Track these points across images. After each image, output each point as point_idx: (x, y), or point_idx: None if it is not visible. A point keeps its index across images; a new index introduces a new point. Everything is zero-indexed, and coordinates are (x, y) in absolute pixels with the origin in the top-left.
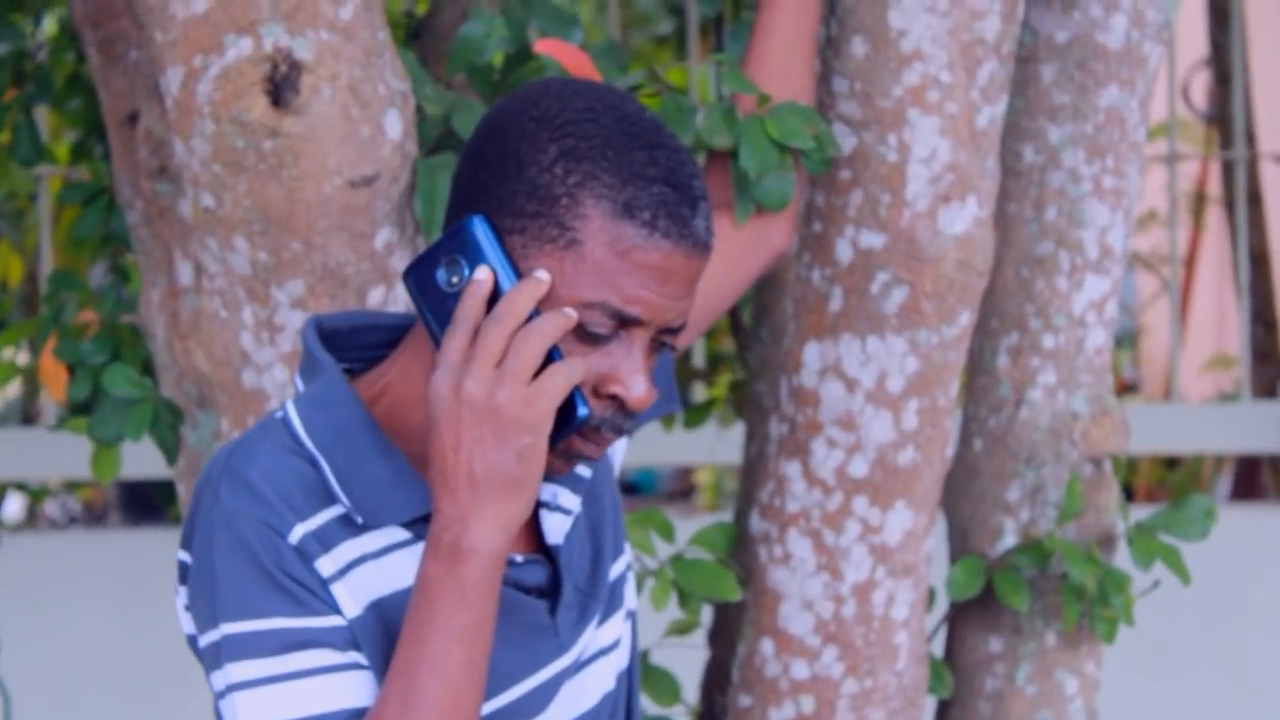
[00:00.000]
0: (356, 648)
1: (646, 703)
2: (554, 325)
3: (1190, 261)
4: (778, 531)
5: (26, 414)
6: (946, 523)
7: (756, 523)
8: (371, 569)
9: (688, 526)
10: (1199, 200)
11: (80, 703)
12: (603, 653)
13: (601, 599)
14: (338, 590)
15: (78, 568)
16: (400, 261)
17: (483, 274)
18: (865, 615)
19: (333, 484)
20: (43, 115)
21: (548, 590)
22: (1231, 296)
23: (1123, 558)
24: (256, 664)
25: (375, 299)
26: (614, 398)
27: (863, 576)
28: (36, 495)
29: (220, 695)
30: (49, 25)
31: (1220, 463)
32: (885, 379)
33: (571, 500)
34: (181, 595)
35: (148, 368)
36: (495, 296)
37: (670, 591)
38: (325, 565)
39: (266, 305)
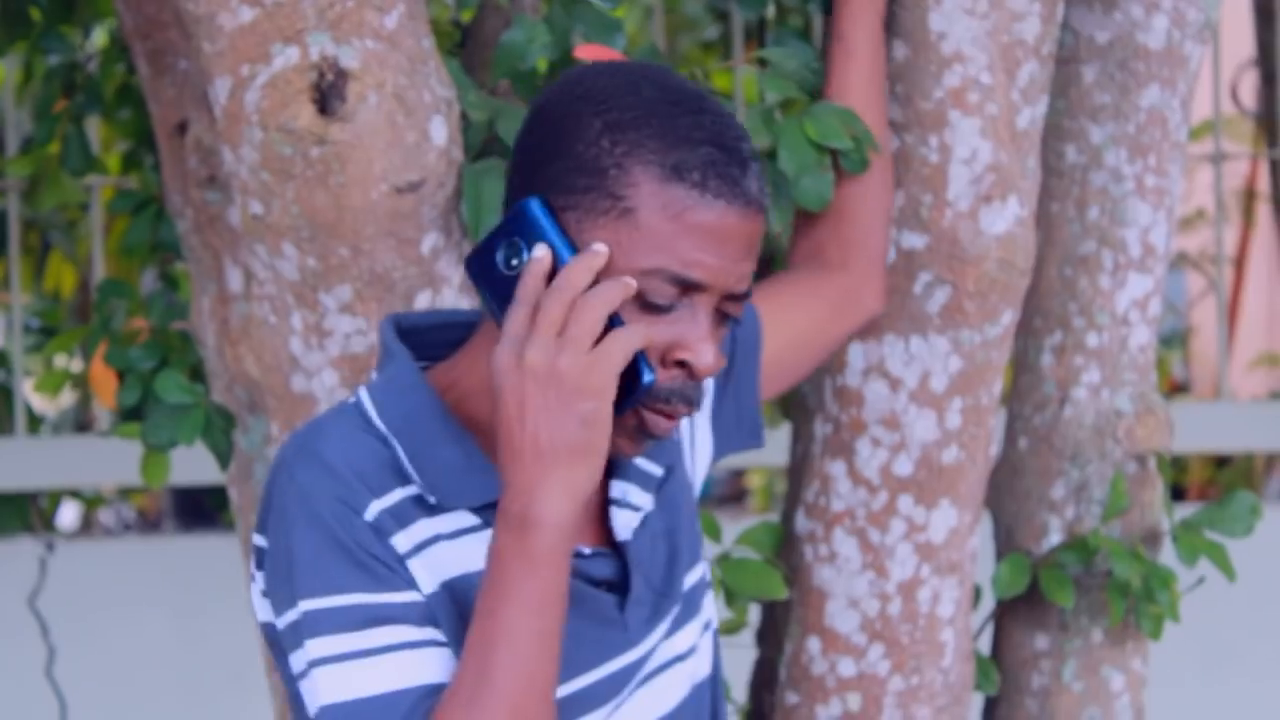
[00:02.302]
0: (434, 624)
1: None
2: (613, 292)
3: (1240, 260)
4: (823, 530)
5: (81, 421)
6: (992, 521)
7: (802, 522)
8: (445, 549)
9: (736, 528)
10: (1248, 198)
11: (134, 708)
12: (678, 659)
13: (676, 601)
14: (413, 566)
15: (132, 574)
16: (447, 266)
17: (540, 252)
18: (911, 613)
19: (406, 464)
20: (95, 127)
21: (616, 585)
22: None
23: (1169, 555)
24: (336, 639)
25: (422, 303)
26: (682, 366)
27: (908, 574)
28: (91, 503)
29: (299, 675)
30: (99, 37)
31: (1271, 461)
32: (928, 378)
33: (641, 498)
34: (258, 581)
35: (195, 373)
36: (554, 274)
37: (718, 591)
38: (401, 542)
39: (315, 311)
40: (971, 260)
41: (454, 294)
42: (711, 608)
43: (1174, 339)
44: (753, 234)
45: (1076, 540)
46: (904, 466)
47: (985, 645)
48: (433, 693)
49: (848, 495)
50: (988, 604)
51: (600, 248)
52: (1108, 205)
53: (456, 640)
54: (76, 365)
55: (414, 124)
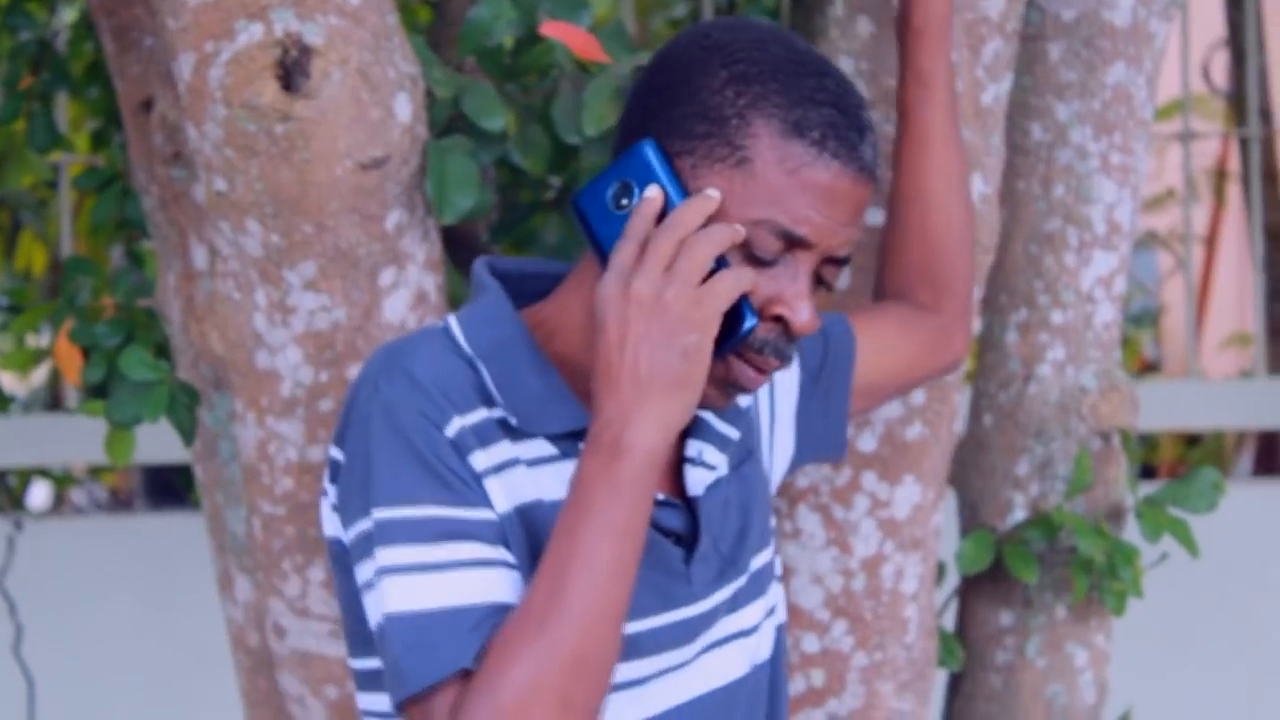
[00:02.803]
0: (505, 545)
1: None
2: (723, 234)
3: (1211, 239)
4: (787, 506)
5: (52, 400)
6: (957, 497)
7: None
8: (523, 474)
9: None
10: (1220, 178)
11: (102, 686)
12: (742, 634)
13: (741, 573)
14: (490, 485)
15: (100, 553)
16: (411, 243)
17: (653, 191)
18: (874, 589)
19: (491, 387)
20: (65, 104)
21: (684, 539)
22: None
23: (1133, 532)
24: (408, 550)
25: (386, 280)
26: (778, 320)
27: (871, 551)
28: (62, 481)
29: (365, 586)
30: (70, 14)
31: (1242, 439)
32: None
33: (716, 458)
34: (329, 495)
35: (162, 350)
36: (664, 217)
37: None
38: (480, 459)
39: (279, 287)
40: None
41: (418, 270)
42: (779, 598)
43: (1145, 318)
44: (861, 200)
45: (1041, 517)
46: (868, 443)
47: (950, 621)
48: (498, 611)
49: (811, 471)
50: (952, 580)
51: (714, 192)
52: (1073, 183)
53: (526, 566)
54: (47, 343)
55: (378, 100)
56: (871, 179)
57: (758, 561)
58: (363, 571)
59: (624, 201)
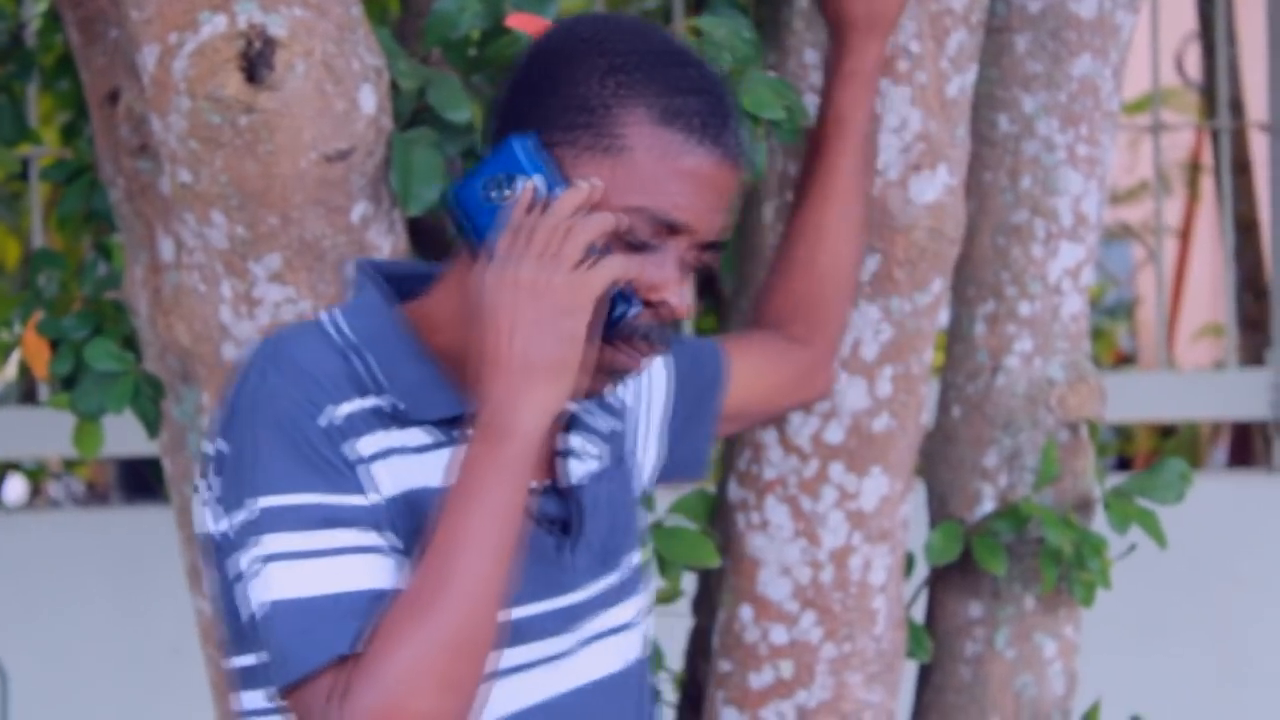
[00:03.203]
0: (386, 531)
1: None
2: (601, 221)
3: (1185, 232)
4: (755, 498)
5: (25, 393)
6: (925, 489)
7: (735, 490)
8: (404, 461)
9: (671, 496)
10: (1193, 170)
11: (77, 679)
12: (616, 631)
13: (615, 569)
14: (372, 471)
15: (74, 546)
16: (377, 235)
17: (530, 184)
18: (843, 580)
19: (369, 375)
20: (36, 97)
21: (561, 529)
22: None
23: (1101, 523)
24: (292, 537)
25: (352, 272)
26: (653, 306)
27: (840, 542)
28: (35, 475)
29: (245, 575)
30: (39, 5)
31: (1217, 431)
32: (859, 346)
33: (593, 449)
34: (202, 489)
35: (129, 343)
36: (543, 208)
37: (650, 560)
38: (363, 446)
39: (244, 279)
40: (901, 229)
41: None
42: (650, 597)
43: (1119, 310)
44: (731, 186)
45: (1009, 508)
46: (835, 434)
47: (919, 613)
48: (380, 597)
49: (779, 463)
50: (921, 572)
51: (594, 181)
52: (1040, 174)
53: (406, 551)
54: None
55: (343, 92)
56: (738, 166)
57: (631, 560)
58: (243, 560)
59: (504, 193)
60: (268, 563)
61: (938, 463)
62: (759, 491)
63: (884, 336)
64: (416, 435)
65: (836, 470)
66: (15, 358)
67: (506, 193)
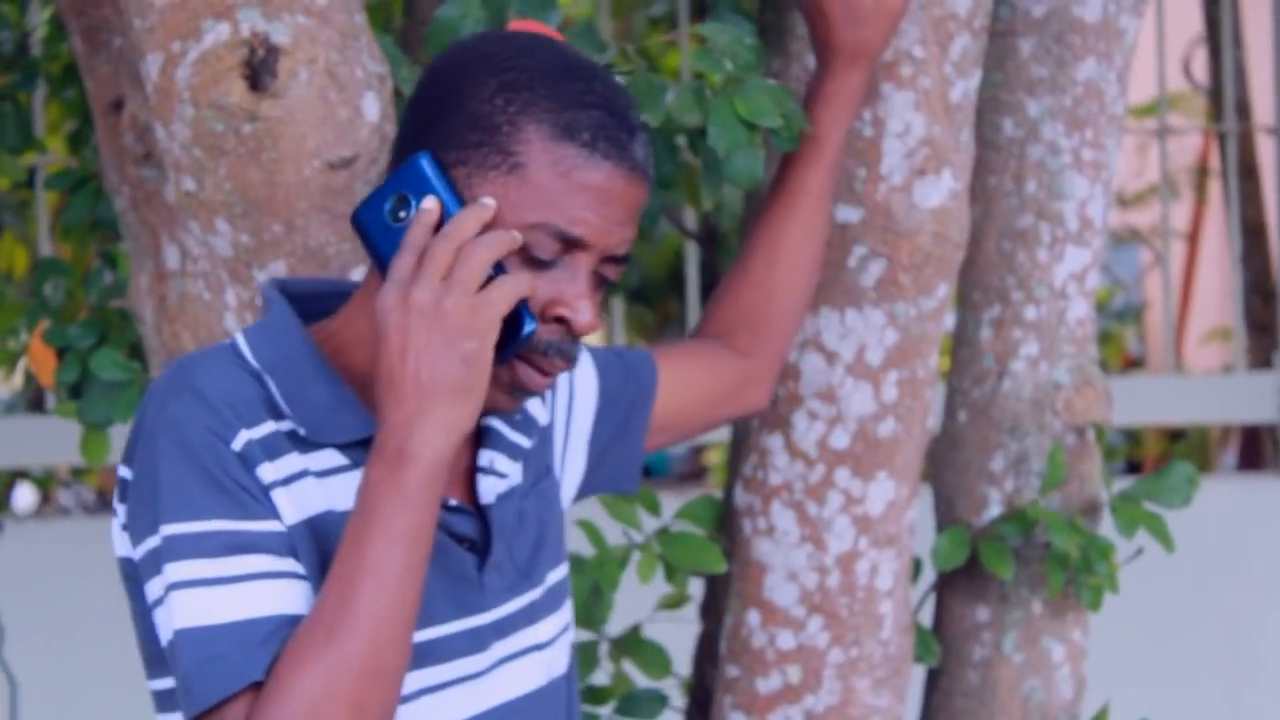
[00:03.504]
0: (295, 556)
1: (637, 675)
2: (499, 241)
3: (1194, 235)
4: (761, 504)
5: (34, 402)
6: (932, 494)
7: (741, 496)
8: (313, 485)
9: (678, 503)
10: (1201, 174)
11: (86, 686)
12: (538, 647)
13: (536, 585)
14: (279, 497)
15: (82, 553)
16: None
17: (430, 203)
18: (849, 585)
19: (279, 399)
20: (43, 105)
21: (477, 546)
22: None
23: (1108, 527)
24: (196, 564)
25: (358, 279)
26: (560, 322)
27: (846, 547)
28: (43, 483)
29: (156, 603)
30: (44, 14)
31: (1226, 434)
32: (864, 351)
33: (509, 466)
34: (119, 514)
35: (135, 351)
36: (441, 228)
37: (656, 565)
38: (268, 472)
39: (249, 287)
40: (905, 234)
41: None
42: (571, 612)
43: (1128, 314)
44: (636, 198)
45: (1015, 512)
46: (841, 439)
47: (926, 617)
48: (289, 623)
49: (785, 469)
50: (928, 576)
51: (489, 200)
52: (1045, 179)
53: (316, 576)
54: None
55: (346, 100)
56: (644, 177)
57: (553, 576)
58: (153, 589)
59: (401, 214)
60: (171, 591)
61: (944, 467)
62: (765, 497)
63: (889, 341)
64: (328, 457)
65: (842, 475)
66: (22, 366)
67: (403, 213)
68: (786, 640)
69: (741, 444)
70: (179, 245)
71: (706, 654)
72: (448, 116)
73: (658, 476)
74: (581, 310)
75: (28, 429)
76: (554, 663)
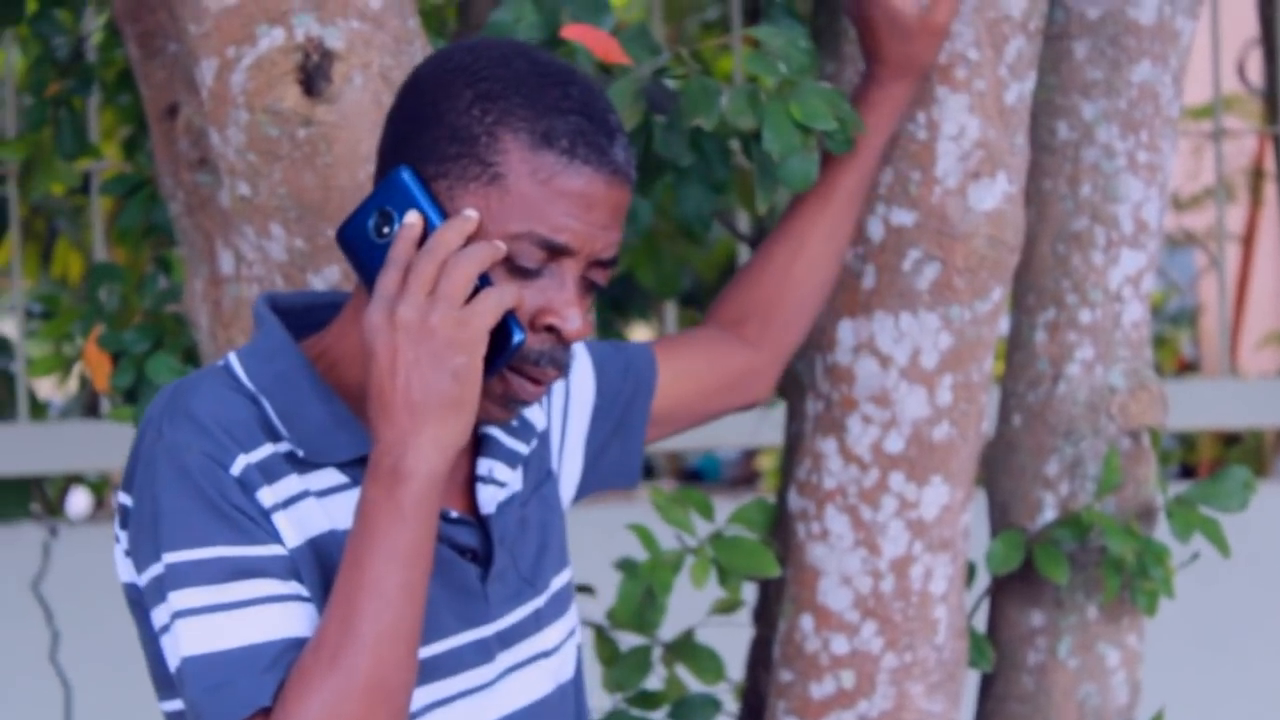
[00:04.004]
0: (298, 578)
1: (690, 680)
2: (483, 253)
3: (1249, 238)
4: (815, 508)
5: (88, 406)
6: (986, 498)
7: (795, 500)
8: (313, 505)
9: (731, 507)
10: (1256, 177)
11: (139, 691)
12: (544, 655)
13: (540, 592)
14: (279, 520)
15: None
16: None
17: (412, 218)
18: (903, 590)
19: (275, 421)
20: (96, 111)
21: (479, 557)
22: None
23: (1164, 531)
24: (200, 591)
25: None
26: (550, 330)
27: (900, 551)
28: (98, 488)
29: (162, 630)
30: (99, 20)
31: None
32: (919, 355)
33: (507, 474)
34: (121, 540)
35: (190, 356)
36: (425, 240)
37: (709, 570)
38: (267, 496)
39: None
40: (960, 237)
41: None
42: (576, 616)
43: (1182, 317)
44: (619, 202)
45: (1071, 516)
46: (895, 443)
47: (981, 622)
48: (295, 646)
49: (839, 473)
50: (982, 581)
51: (471, 213)
52: (1100, 181)
53: (320, 597)
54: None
55: None
56: (627, 180)
57: (558, 582)
58: (159, 616)
59: (385, 230)
60: (177, 619)
61: (999, 471)
62: (819, 501)
63: (944, 345)
64: (328, 476)
65: (897, 479)
66: (77, 371)
67: (386, 229)
68: (840, 645)
69: (795, 448)
70: (233, 250)
71: (760, 659)
72: (426, 129)
73: (709, 481)
74: (570, 318)
75: (83, 434)
76: (560, 669)
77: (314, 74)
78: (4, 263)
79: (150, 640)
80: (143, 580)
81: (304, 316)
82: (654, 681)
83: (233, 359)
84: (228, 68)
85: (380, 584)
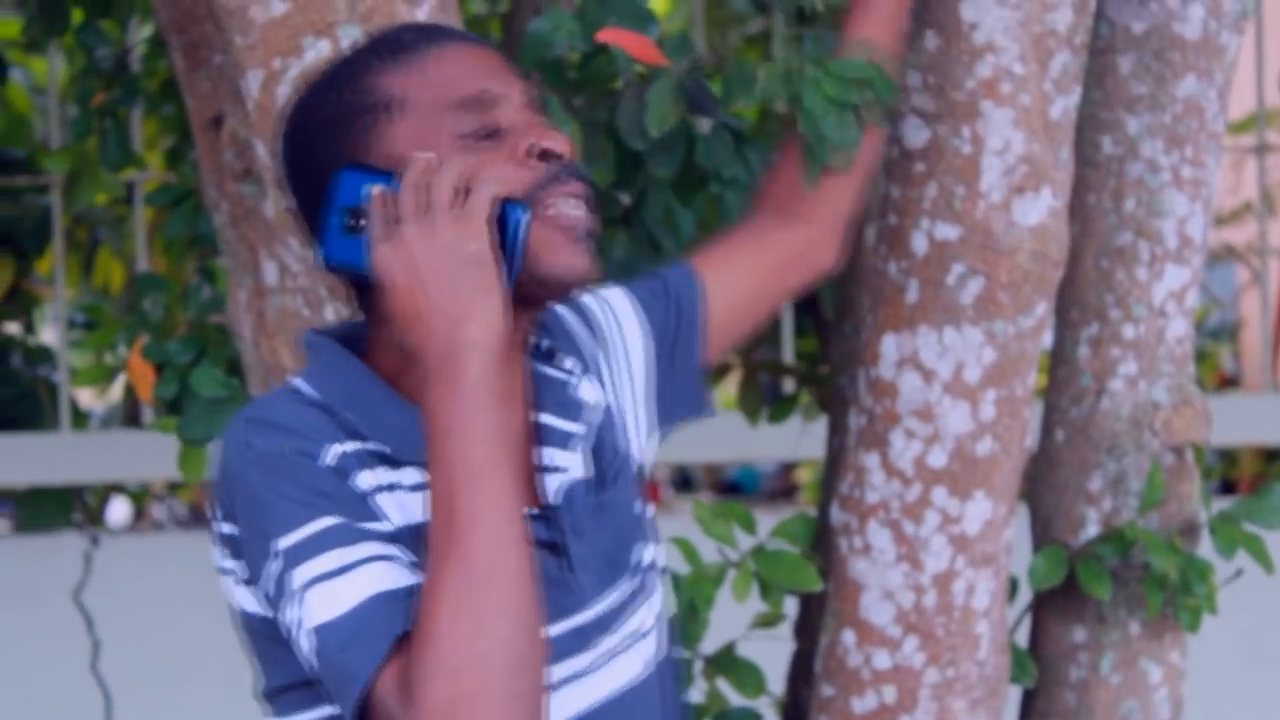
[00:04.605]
0: (402, 549)
1: (731, 694)
2: (449, 164)
3: None
4: (857, 522)
5: (130, 416)
6: (1029, 513)
7: (837, 514)
8: (407, 496)
9: (773, 521)
10: None
11: (180, 701)
12: (641, 636)
13: (625, 572)
14: (382, 500)
15: (176, 568)
16: None
17: (375, 189)
18: (946, 605)
19: (356, 425)
20: (140, 121)
21: (560, 549)
22: None
23: (1207, 548)
24: (316, 562)
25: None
26: (540, 157)
27: (943, 566)
28: (138, 497)
29: (295, 624)
30: (144, 31)
31: None
32: (962, 370)
33: (564, 458)
34: (237, 570)
35: (234, 367)
36: None
37: (751, 583)
38: (366, 479)
39: (348, 304)
40: (1005, 251)
41: None
42: (663, 590)
43: (1223, 332)
44: (495, 59)
45: (1113, 532)
46: (938, 458)
47: (1023, 638)
48: (414, 591)
49: (881, 487)
50: (1025, 596)
51: (419, 154)
52: (1144, 196)
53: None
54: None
55: None
56: (481, 43)
57: (645, 557)
58: (288, 612)
59: (358, 223)
60: (304, 593)
61: (1041, 486)
62: (861, 515)
63: (987, 360)
64: (411, 474)
65: (939, 494)
66: (121, 381)
67: (358, 222)
68: (882, 660)
69: (838, 462)
70: (278, 261)
71: (801, 673)
72: (320, 141)
73: (748, 494)
74: (545, 137)
75: (124, 443)
76: (653, 648)
77: None
78: (47, 272)
79: (269, 662)
80: (268, 587)
81: (349, 345)
82: (695, 695)
83: (296, 381)
84: (273, 79)
85: (467, 467)
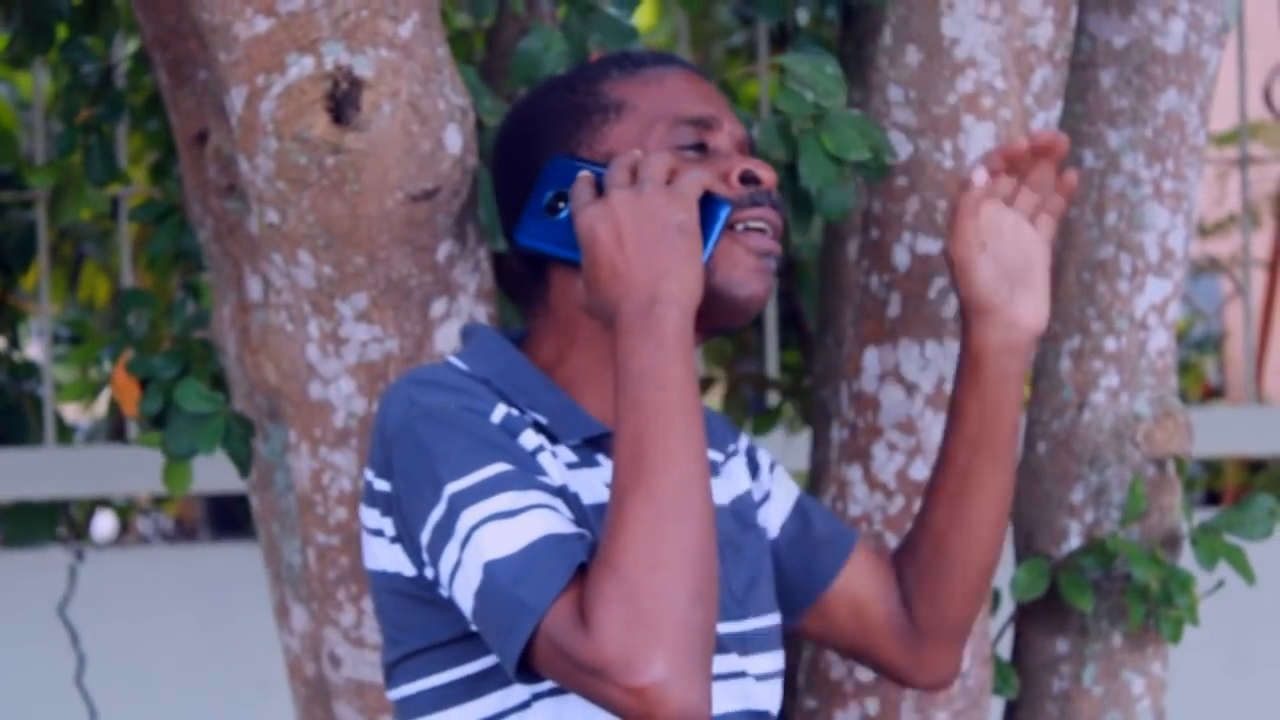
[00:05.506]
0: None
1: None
2: (662, 154)
3: (1274, 264)
4: None
5: (115, 431)
6: (1011, 525)
7: None
8: (561, 468)
9: None
10: None
11: (165, 714)
12: (740, 675)
13: (745, 618)
14: (544, 460)
15: (161, 582)
16: (462, 274)
17: (583, 172)
18: None
19: (513, 397)
20: (125, 137)
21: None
22: None
23: (1188, 559)
24: (488, 503)
25: (438, 311)
26: (743, 180)
27: None
28: (123, 512)
29: (456, 568)
30: (128, 47)
31: None
32: (944, 383)
33: (729, 468)
34: (387, 529)
35: (218, 382)
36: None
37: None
38: (530, 439)
39: (331, 319)
40: None
41: (469, 301)
42: (782, 662)
43: (1207, 344)
44: (710, 87)
45: (1095, 544)
46: (920, 471)
47: (1005, 650)
48: (582, 536)
49: (864, 500)
50: (1007, 608)
51: (633, 151)
52: (1126, 210)
53: None
54: (107, 374)
55: (428, 132)
56: (704, 77)
57: (766, 622)
58: (448, 557)
59: (560, 205)
60: (472, 533)
61: (1023, 499)
62: None
63: None
64: (567, 453)
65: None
66: (105, 396)
67: (561, 205)
68: (865, 672)
69: (820, 475)
70: (262, 277)
71: (785, 685)
72: (547, 130)
73: None
74: (752, 164)
75: (109, 458)
76: (756, 697)
77: (343, 102)
78: (31, 287)
79: (404, 625)
80: (425, 538)
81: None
82: None
83: (453, 359)
84: (257, 95)
85: (660, 410)
